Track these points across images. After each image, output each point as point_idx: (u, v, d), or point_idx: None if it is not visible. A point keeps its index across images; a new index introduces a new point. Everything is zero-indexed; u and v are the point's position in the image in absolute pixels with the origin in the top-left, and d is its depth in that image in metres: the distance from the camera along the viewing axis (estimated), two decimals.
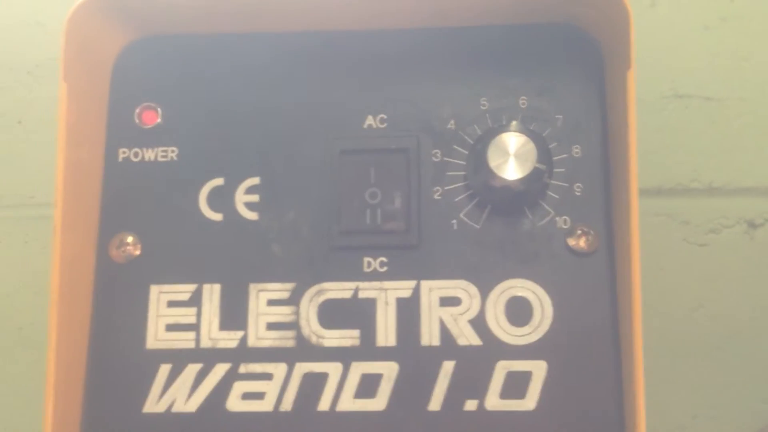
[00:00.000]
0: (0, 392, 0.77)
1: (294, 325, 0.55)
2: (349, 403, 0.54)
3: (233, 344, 0.55)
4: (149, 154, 0.58)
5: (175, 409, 0.55)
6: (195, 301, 0.56)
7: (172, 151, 0.58)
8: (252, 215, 0.57)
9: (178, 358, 0.55)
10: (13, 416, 0.75)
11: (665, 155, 0.74)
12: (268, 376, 0.55)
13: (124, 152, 0.58)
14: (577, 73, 0.58)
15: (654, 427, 0.67)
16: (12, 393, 0.76)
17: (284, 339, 0.55)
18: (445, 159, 0.57)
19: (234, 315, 0.56)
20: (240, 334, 0.55)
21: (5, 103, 0.78)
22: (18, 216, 0.77)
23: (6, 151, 0.78)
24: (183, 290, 0.56)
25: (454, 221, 0.56)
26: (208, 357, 0.55)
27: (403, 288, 0.55)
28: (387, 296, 0.55)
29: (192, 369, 0.55)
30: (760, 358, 0.72)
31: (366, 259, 0.56)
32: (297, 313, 0.55)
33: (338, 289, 0.56)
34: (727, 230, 0.73)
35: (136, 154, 0.58)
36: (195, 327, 0.56)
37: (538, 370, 0.53)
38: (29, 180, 0.77)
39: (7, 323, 0.76)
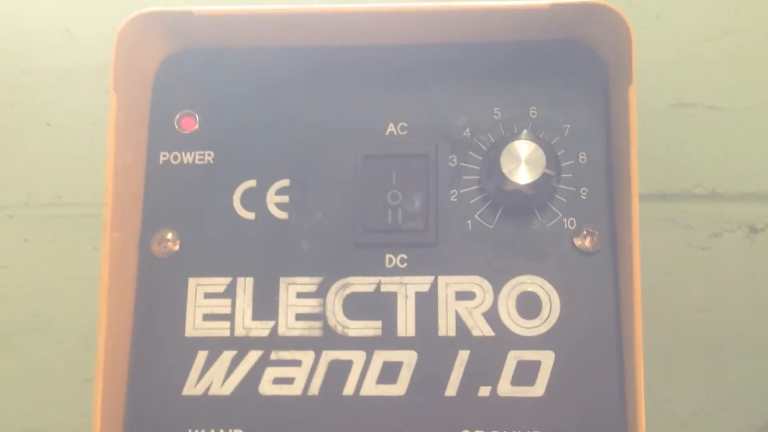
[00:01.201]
0: (23, 383, 0.78)
1: (321, 316, 0.58)
2: (371, 388, 0.57)
3: (265, 333, 0.59)
4: (187, 158, 0.61)
5: (211, 392, 0.58)
6: (230, 293, 0.59)
7: (209, 155, 0.61)
8: (282, 215, 0.60)
9: (215, 346, 0.59)
10: (36, 407, 0.78)
11: (669, 162, 0.76)
12: (297, 363, 0.58)
13: (164, 155, 0.61)
14: (584, 87, 0.60)
15: (656, 423, 0.72)
16: (34, 384, 0.78)
17: (312, 329, 0.58)
18: (461, 164, 0.60)
19: (265, 306, 0.59)
20: (271, 323, 0.59)
21: (35, 106, 0.80)
22: (45, 215, 0.79)
23: (35, 152, 0.80)
24: (219, 283, 0.59)
25: (469, 222, 0.59)
26: (242, 344, 0.58)
27: (421, 283, 0.59)
28: (407, 290, 0.58)
29: (227, 355, 0.58)
30: (761, 358, 0.74)
31: (388, 256, 0.59)
32: (324, 305, 0.59)
33: (362, 283, 0.59)
34: (729, 234, 0.75)
35: (175, 158, 0.61)
36: (230, 317, 0.59)
37: (547, 359, 0.57)
38: (57, 181, 0.79)
39: (36, 319, 0.78)
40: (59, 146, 0.80)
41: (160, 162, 0.62)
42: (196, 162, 0.62)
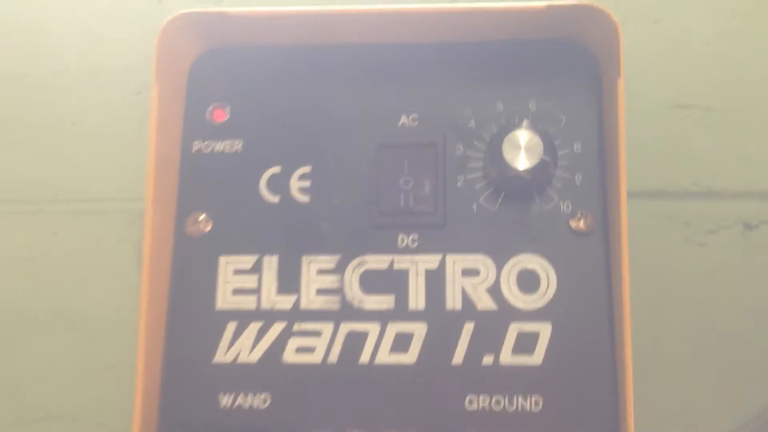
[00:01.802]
0: (47, 371, 0.81)
1: (339, 291, 0.63)
2: (385, 357, 0.62)
3: (288, 306, 0.63)
4: (219, 146, 0.66)
5: (240, 360, 0.63)
6: (256, 269, 0.64)
7: (238, 144, 0.66)
8: (304, 198, 0.65)
9: (243, 318, 0.63)
10: (60, 394, 0.80)
11: (666, 161, 0.79)
12: (317, 334, 0.62)
13: (197, 144, 0.66)
14: (578, 81, 0.65)
15: (649, 415, 0.74)
16: (58, 371, 0.81)
17: (331, 302, 0.63)
18: (467, 153, 0.64)
19: (289, 282, 0.63)
20: (294, 297, 0.63)
21: (64, 106, 0.84)
22: (72, 210, 0.83)
23: (63, 150, 0.84)
24: (246, 260, 0.64)
25: (474, 205, 0.63)
26: (267, 317, 0.63)
27: (431, 261, 0.63)
28: (417, 267, 0.63)
29: (254, 326, 0.63)
30: (753, 350, 0.76)
31: (400, 236, 0.64)
32: (342, 281, 0.63)
33: (377, 261, 0.63)
34: (725, 231, 0.78)
35: (207, 146, 0.66)
36: (256, 291, 0.63)
37: (544, 330, 0.61)
38: (83, 177, 0.83)
39: (61, 309, 0.81)
40: (86, 144, 0.84)
41: (194, 150, 0.66)
42: (226, 150, 0.66)
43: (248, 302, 0.64)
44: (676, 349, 0.77)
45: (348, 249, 0.64)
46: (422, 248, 0.64)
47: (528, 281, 0.63)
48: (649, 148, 0.79)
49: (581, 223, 0.64)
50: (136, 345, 0.62)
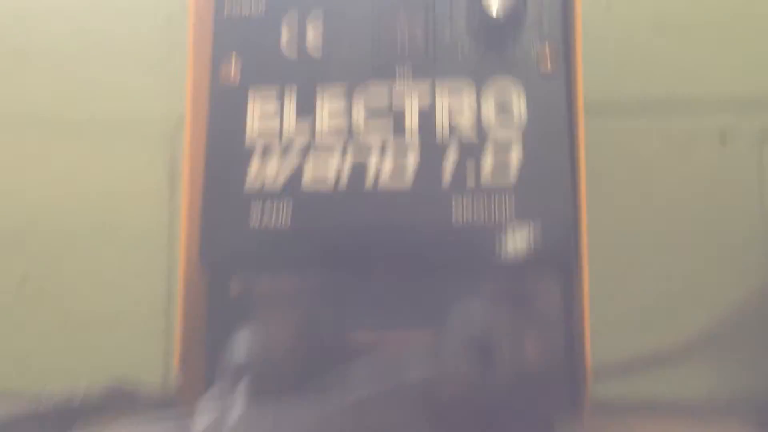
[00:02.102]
0: (96, 281, 0.92)
1: (347, 116, 0.72)
2: (385, 182, 0.70)
3: (306, 132, 0.73)
4: (246, 7, 0.75)
5: (266, 185, 0.71)
6: (278, 99, 0.73)
7: (262, 3, 0.76)
8: (318, 41, 0.74)
9: (267, 146, 0.72)
10: (112, 298, 0.92)
11: (645, 76, 0.88)
12: (330, 158, 0.72)
13: (227, 7, 0.76)
14: None
15: (615, 320, 0.84)
16: (106, 279, 0.92)
17: (340, 126, 0.72)
18: (453, 6, 0.74)
19: (305, 111, 0.73)
20: (310, 124, 0.73)
21: (98, 32, 0.96)
22: (108, 132, 0.94)
23: (99, 75, 0.95)
24: (270, 93, 0.73)
25: (459, 47, 0.73)
26: (288, 144, 0.72)
27: (423, 89, 0.72)
28: (412, 95, 0.72)
29: (277, 154, 0.72)
30: (723, 246, 0.87)
31: (398, 69, 0.73)
32: (350, 108, 0.72)
33: (379, 89, 0.73)
34: (701, 142, 0.88)
35: (235, 7, 0.76)
36: (279, 120, 0.72)
37: (516, 154, 0.70)
38: (117, 101, 0.95)
39: (106, 223, 0.93)
40: (121, 70, 0.96)
41: (225, 13, 0.75)
42: (252, 10, 0.76)
43: (272, 131, 0.73)
44: (656, 248, 0.87)
45: (355, 79, 0.73)
46: (416, 78, 0.73)
47: (503, 111, 0.71)
48: (628, 65, 0.89)
49: (548, 62, 0.72)
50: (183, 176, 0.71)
